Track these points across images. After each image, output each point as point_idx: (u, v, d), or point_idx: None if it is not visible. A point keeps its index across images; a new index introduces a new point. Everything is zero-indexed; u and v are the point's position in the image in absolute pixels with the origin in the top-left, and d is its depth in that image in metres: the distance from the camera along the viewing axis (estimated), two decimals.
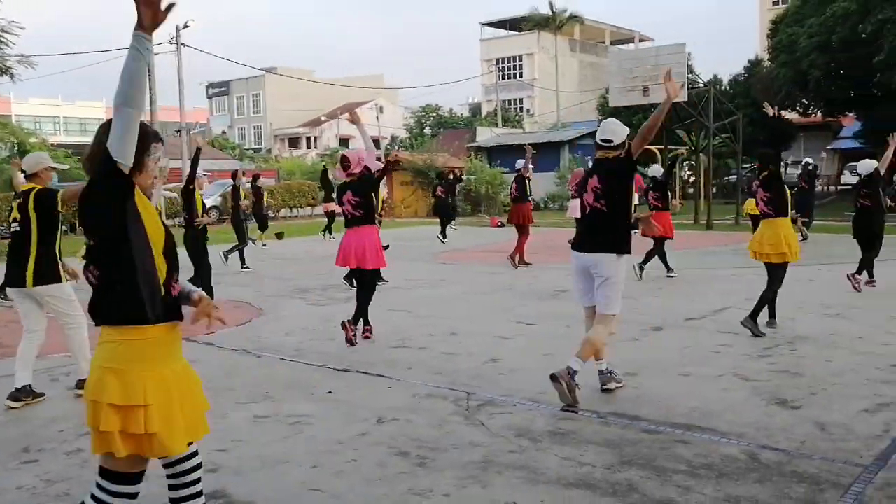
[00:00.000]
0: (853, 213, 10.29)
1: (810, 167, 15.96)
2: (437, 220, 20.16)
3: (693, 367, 6.19)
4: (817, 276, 11.22)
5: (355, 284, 8.00)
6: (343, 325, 7.23)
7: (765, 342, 6.98)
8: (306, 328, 8.16)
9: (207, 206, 27.31)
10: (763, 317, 7.45)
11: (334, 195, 14.82)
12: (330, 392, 5.69)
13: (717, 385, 5.67)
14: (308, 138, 71.92)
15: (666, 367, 6.19)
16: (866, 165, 9.97)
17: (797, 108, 36.83)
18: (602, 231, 5.27)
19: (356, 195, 7.22)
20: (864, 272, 9.88)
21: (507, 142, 40.23)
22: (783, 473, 3.96)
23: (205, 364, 6.72)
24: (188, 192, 9.51)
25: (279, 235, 21.15)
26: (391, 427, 4.84)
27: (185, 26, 33.37)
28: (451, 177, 21.46)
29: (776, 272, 7.41)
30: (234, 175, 14.44)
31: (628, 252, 5.30)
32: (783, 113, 39.36)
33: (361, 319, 7.45)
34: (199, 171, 9.78)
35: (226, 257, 14.00)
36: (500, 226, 23.05)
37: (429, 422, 4.92)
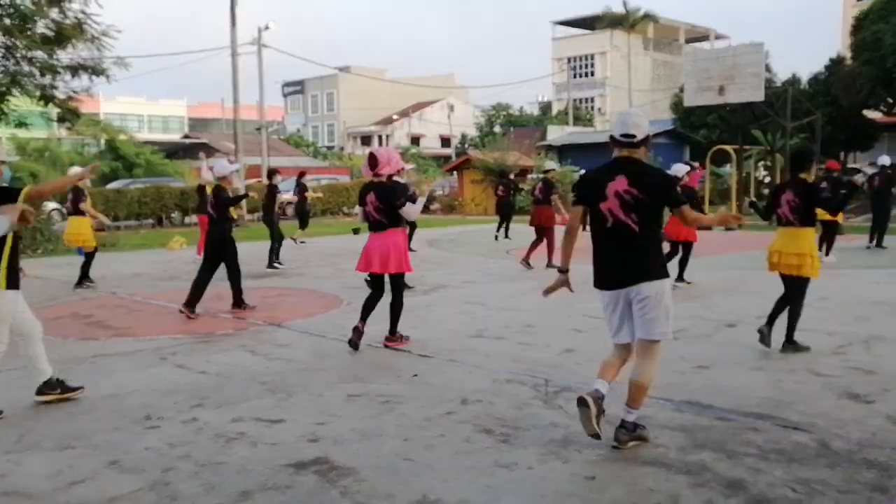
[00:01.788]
0: None
1: (889, 170, 15.51)
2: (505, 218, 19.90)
3: (766, 362, 6.35)
4: (894, 278, 11.11)
5: (373, 287, 7.30)
6: (386, 344, 7.15)
7: (839, 340, 7.07)
8: (383, 317, 8.55)
9: (286, 201, 28.33)
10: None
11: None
12: (416, 375, 6.07)
13: (790, 378, 5.82)
14: (380, 136, 73.05)
15: (739, 361, 6.37)
16: None
17: (881, 107, 35.78)
18: (639, 254, 4.29)
19: (380, 200, 6.86)
20: None
21: (578, 140, 40.24)
22: (853, 461, 4.13)
23: (296, 348, 7.22)
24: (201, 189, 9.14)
25: (356, 231, 21.77)
26: (475, 407, 5.18)
27: (266, 28, 34.47)
28: (513, 176, 21.47)
29: (800, 286, 6.68)
30: (271, 174, 14.22)
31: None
32: (866, 112, 38.30)
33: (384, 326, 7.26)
34: (233, 166, 9.69)
35: (277, 262, 13.65)
36: None
37: (510, 404, 5.24)
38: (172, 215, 27.34)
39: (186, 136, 58.61)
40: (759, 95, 22.40)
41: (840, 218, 13.68)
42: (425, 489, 3.83)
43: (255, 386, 5.86)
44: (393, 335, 7.28)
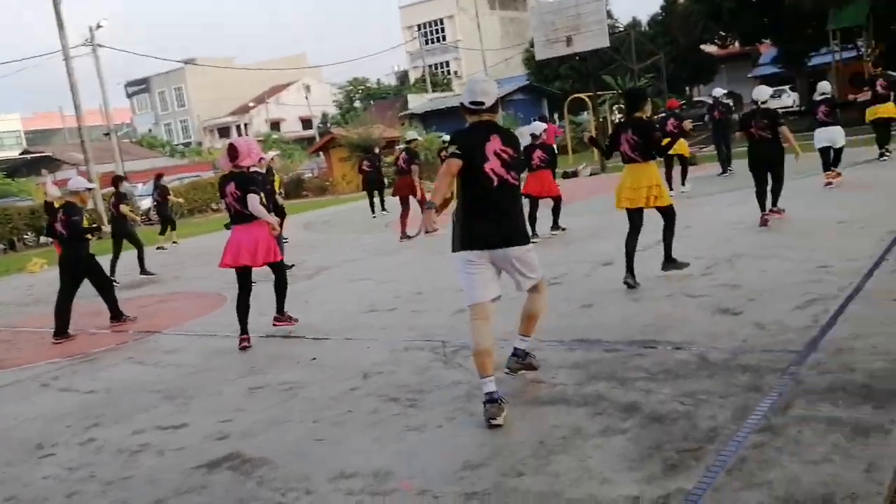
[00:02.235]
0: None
1: (723, 100, 16.66)
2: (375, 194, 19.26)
3: (643, 293, 6.74)
4: (747, 199, 11.91)
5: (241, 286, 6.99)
6: (275, 324, 7.20)
7: (706, 262, 7.57)
8: (271, 302, 8.46)
9: (145, 207, 27.08)
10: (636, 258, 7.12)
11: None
12: (314, 359, 6.07)
13: (667, 304, 6.23)
14: (238, 126, 70.93)
15: (619, 296, 6.73)
16: (761, 92, 9.66)
17: (716, 41, 37.91)
18: (520, 212, 4.53)
19: (240, 190, 6.65)
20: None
21: (439, 106, 40.53)
22: (730, 368, 4.50)
23: (186, 352, 7.06)
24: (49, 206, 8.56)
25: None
26: (378, 379, 5.25)
27: (98, 26, 32.68)
28: (378, 150, 21.45)
29: (668, 211, 7.07)
30: (116, 181, 13.30)
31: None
32: (703, 47, 40.53)
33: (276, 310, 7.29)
34: (90, 184, 9.29)
35: (144, 272, 12.97)
36: None
37: (411, 370, 5.35)
38: (25, 236, 25.71)
39: (26, 152, 54.94)
40: (604, 42, 23.27)
41: (686, 151, 14.56)
42: (341, 465, 3.88)
43: (149, 396, 5.70)
44: (281, 314, 7.25)
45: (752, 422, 3.70)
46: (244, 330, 6.85)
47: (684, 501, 3.05)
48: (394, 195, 13.50)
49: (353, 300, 8.32)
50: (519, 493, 3.32)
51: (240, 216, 6.76)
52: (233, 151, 6.79)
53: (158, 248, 16.59)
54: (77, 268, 8.51)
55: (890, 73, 17.73)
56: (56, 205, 8.68)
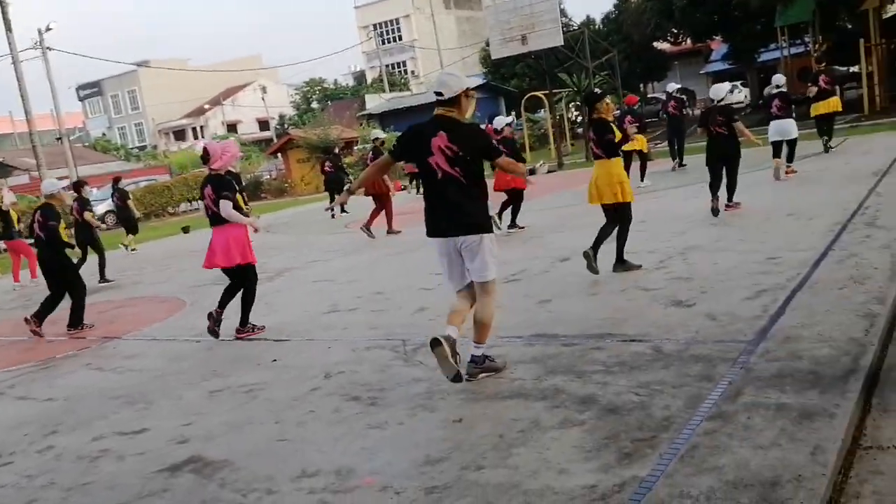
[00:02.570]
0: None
1: (677, 95, 16.95)
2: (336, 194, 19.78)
3: (600, 287, 6.87)
4: (700, 193, 12.17)
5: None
6: (238, 336, 7.08)
7: (660, 256, 7.73)
8: (236, 310, 8.41)
9: (101, 211, 26.64)
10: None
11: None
12: (275, 360, 6.07)
13: (622, 298, 6.36)
14: (194, 129, 70.03)
15: (576, 290, 6.85)
16: (718, 90, 9.95)
17: (668, 38, 38.50)
18: (471, 205, 4.59)
19: (215, 192, 6.85)
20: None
21: (396, 106, 40.53)
22: (683, 358, 4.62)
23: (146, 357, 7.00)
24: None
25: (185, 230, 21.01)
26: (339, 379, 5.28)
27: (48, 29, 32.04)
28: (337, 150, 21.54)
29: (623, 211, 7.27)
30: (78, 187, 12.75)
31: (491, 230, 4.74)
32: (656, 44, 41.14)
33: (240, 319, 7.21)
34: (61, 182, 9.34)
35: (104, 279, 12.69)
36: (403, 189, 23.44)
37: (372, 369, 5.39)
38: None
39: None
40: (558, 40, 23.50)
41: (645, 146, 14.82)
42: (303, 464, 3.91)
43: (109, 402, 5.65)
44: (244, 327, 7.20)
45: (704, 410, 3.81)
46: (220, 305, 7.08)
47: (639, 488, 3.14)
48: (366, 194, 13.63)
49: (315, 301, 8.33)
50: (479, 486, 3.39)
51: (217, 218, 6.94)
52: (205, 154, 6.96)
53: (122, 244, 16.56)
54: (51, 269, 8.58)
55: (834, 67, 18.24)
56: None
